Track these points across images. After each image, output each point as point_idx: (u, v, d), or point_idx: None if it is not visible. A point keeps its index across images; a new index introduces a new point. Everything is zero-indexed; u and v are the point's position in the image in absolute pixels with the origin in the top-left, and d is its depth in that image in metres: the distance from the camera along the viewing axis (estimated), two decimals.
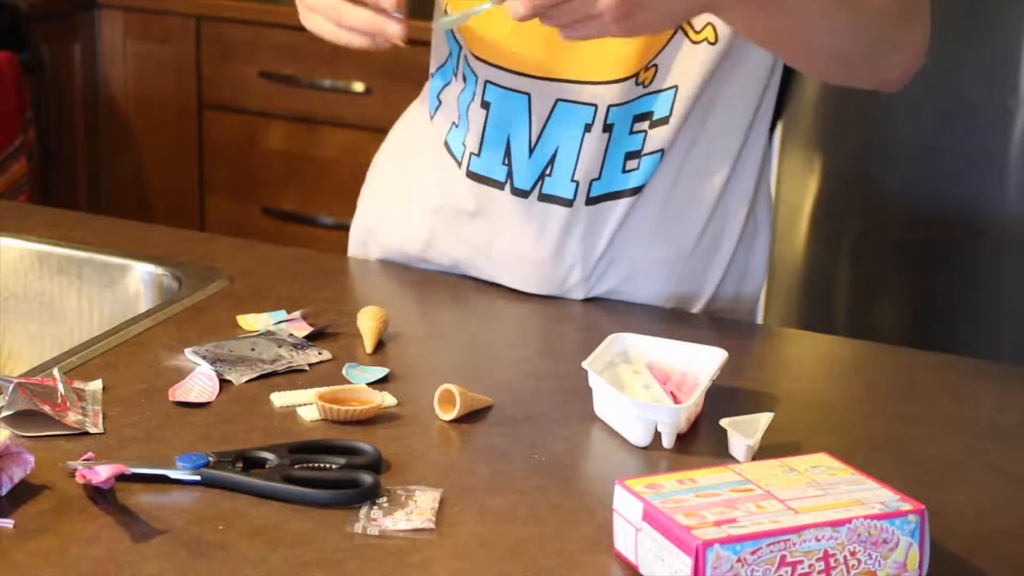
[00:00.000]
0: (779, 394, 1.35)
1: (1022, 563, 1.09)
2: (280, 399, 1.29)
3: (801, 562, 1.00)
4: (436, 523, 1.10)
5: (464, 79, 1.55)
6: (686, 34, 1.47)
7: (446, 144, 1.58)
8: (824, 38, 1.35)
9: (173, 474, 1.14)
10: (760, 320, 2.83)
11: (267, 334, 1.41)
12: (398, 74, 3.02)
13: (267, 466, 1.16)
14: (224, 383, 1.31)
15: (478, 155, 1.54)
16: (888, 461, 1.22)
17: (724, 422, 1.23)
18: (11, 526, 1.07)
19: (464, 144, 1.56)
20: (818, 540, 1.00)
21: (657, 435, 1.23)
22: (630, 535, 1.04)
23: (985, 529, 1.14)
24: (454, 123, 1.57)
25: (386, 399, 1.29)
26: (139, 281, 1.59)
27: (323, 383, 1.31)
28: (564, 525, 1.11)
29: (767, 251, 1.62)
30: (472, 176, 1.55)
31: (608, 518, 1.07)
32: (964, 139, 2.60)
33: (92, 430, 1.21)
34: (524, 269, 1.56)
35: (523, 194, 1.53)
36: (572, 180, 1.51)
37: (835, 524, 1.01)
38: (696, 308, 1.58)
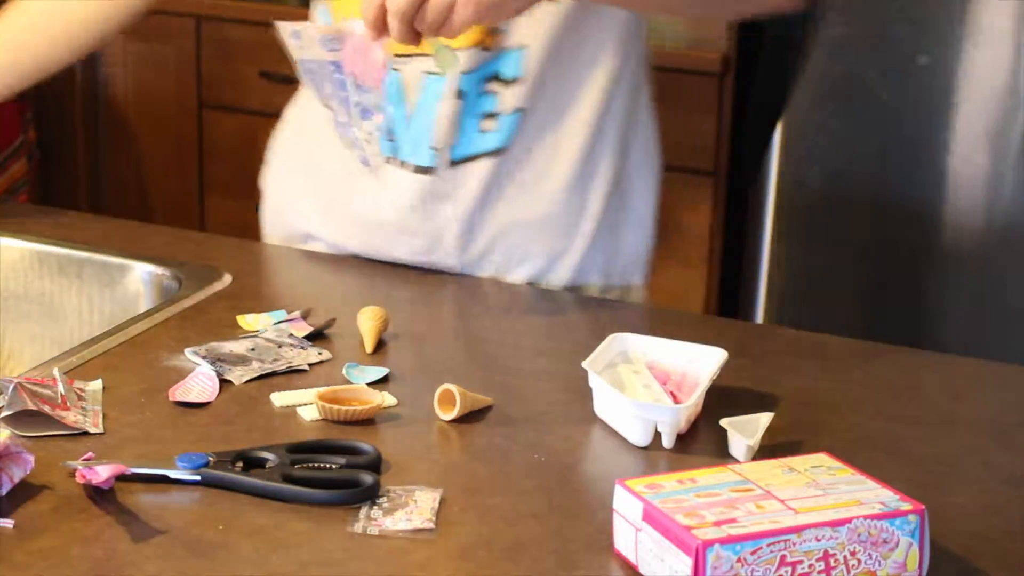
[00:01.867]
0: (779, 394, 1.35)
1: (1022, 563, 1.09)
2: (280, 399, 1.29)
3: (801, 562, 1.00)
4: (436, 523, 1.10)
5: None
6: None
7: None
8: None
9: (173, 474, 1.14)
10: (760, 320, 2.83)
11: (267, 334, 1.41)
12: None
13: (267, 466, 1.16)
14: (224, 383, 1.31)
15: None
16: (888, 461, 1.22)
17: (724, 422, 1.23)
18: (11, 526, 1.07)
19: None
20: (818, 540, 1.00)
21: (657, 435, 1.23)
22: (630, 535, 1.04)
23: (985, 529, 1.14)
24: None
25: (386, 399, 1.28)
26: (139, 281, 1.59)
27: (323, 383, 1.31)
28: (564, 525, 1.11)
29: (648, 224, 1.65)
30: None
31: (608, 518, 1.07)
32: (963, 139, 2.60)
33: (92, 430, 1.21)
34: (396, 235, 1.60)
35: (398, 164, 1.58)
36: (430, 148, 1.56)
37: (835, 524, 1.01)
38: (565, 278, 1.61)
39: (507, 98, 1.55)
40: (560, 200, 1.59)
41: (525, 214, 1.59)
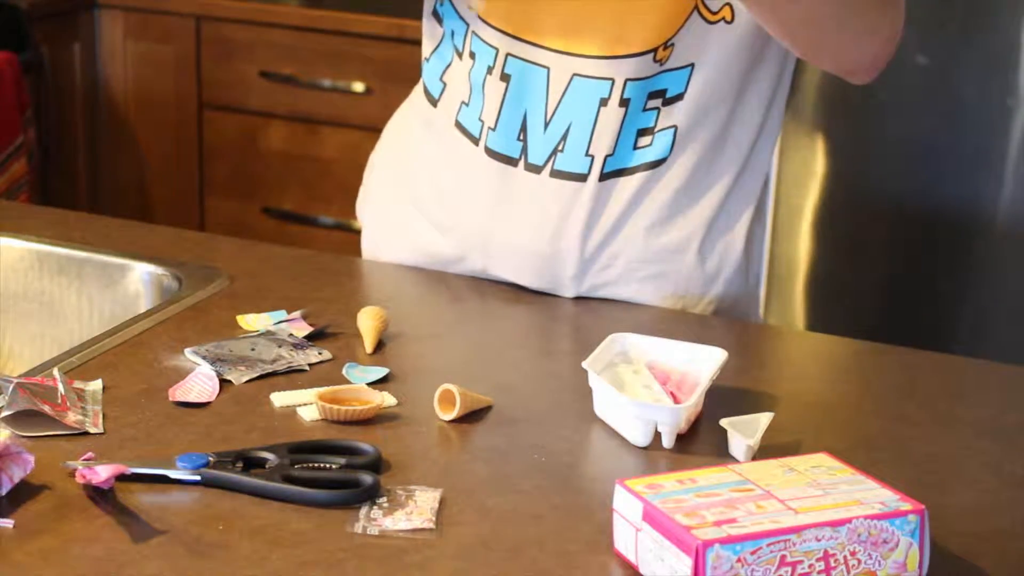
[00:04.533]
0: (779, 394, 1.35)
1: (1022, 563, 1.09)
2: (280, 399, 1.29)
3: (801, 562, 1.00)
4: (436, 523, 1.10)
5: (472, 55, 1.54)
6: (702, 14, 1.47)
7: (458, 124, 1.57)
8: (821, 18, 1.38)
9: (173, 474, 1.14)
10: (760, 320, 2.83)
11: (267, 334, 1.41)
12: (398, 74, 3.01)
13: (267, 466, 1.16)
14: (224, 383, 1.31)
15: (494, 130, 1.53)
16: (888, 461, 1.22)
17: (724, 422, 1.23)
18: (11, 526, 1.07)
19: (481, 120, 1.54)
20: (818, 540, 1.00)
21: (657, 435, 1.23)
22: (630, 535, 1.04)
23: (985, 529, 1.14)
24: (463, 102, 1.56)
25: (386, 399, 1.28)
26: (139, 281, 1.59)
27: (323, 383, 1.31)
28: (564, 525, 1.11)
29: (765, 244, 1.61)
30: (489, 153, 1.54)
31: (608, 518, 1.07)
32: (963, 139, 2.60)
33: (92, 430, 1.21)
34: (524, 255, 1.54)
35: (536, 170, 1.52)
36: (587, 155, 1.50)
37: (835, 524, 1.01)
38: (701, 301, 1.57)
39: (665, 115, 1.50)
40: (701, 233, 1.55)
41: (663, 239, 1.55)
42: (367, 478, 1.13)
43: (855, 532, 1.01)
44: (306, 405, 1.28)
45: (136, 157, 3.54)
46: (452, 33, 1.56)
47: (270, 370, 1.34)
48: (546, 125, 1.51)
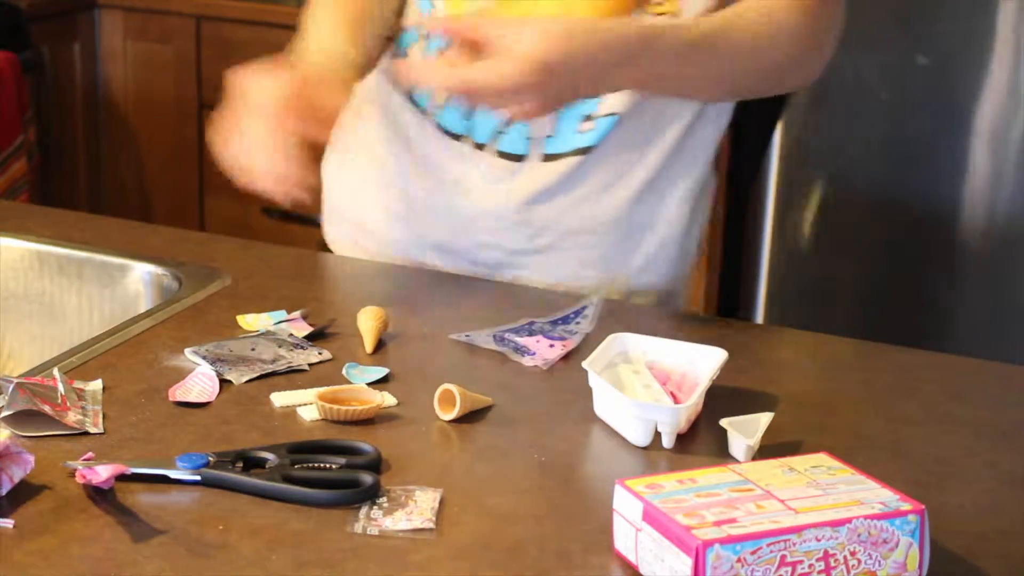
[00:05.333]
0: (779, 394, 1.35)
1: (1022, 563, 1.09)
2: (280, 399, 1.29)
3: (801, 562, 1.00)
4: (436, 523, 1.10)
5: (427, 36, 1.60)
6: (644, 7, 1.51)
7: (412, 99, 1.64)
8: (733, 84, 1.49)
9: (173, 474, 1.14)
10: (760, 320, 2.83)
11: (267, 334, 1.41)
12: None
13: (267, 466, 1.16)
14: (224, 383, 1.31)
15: (443, 108, 1.60)
16: (888, 461, 1.22)
17: (724, 422, 1.23)
18: (11, 526, 1.07)
19: (431, 98, 1.61)
20: (818, 540, 1.00)
21: (657, 435, 1.23)
22: (630, 535, 1.04)
23: (985, 529, 1.14)
24: None
25: (386, 399, 1.28)
26: (139, 281, 1.59)
27: (323, 383, 1.31)
28: (564, 525, 1.11)
29: (699, 229, 1.68)
30: (440, 129, 1.61)
31: (608, 518, 1.07)
32: (964, 139, 2.60)
33: (92, 430, 1.21)
34: (462, 221, 1.62)
35: (480, 147, 1.59)
36: (528, 138, 1.57)
37: (835, 524, 1.01)
38: (627, 280, 1.62)
39: (607, 101, 1.55)
40: (628, 208, 1.60)
41: (594, 218, 1.60)
42: (367, 478, 1.13)
43: (855, 532, 1.01)
44: (306, 405, 1.28)
45: (136, 157, 3.54)
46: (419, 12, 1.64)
47: (270, 370, 1.34)
48: None
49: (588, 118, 1.56)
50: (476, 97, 1.34)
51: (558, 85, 1.33)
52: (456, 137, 1.61)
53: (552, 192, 1.59)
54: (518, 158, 1.58)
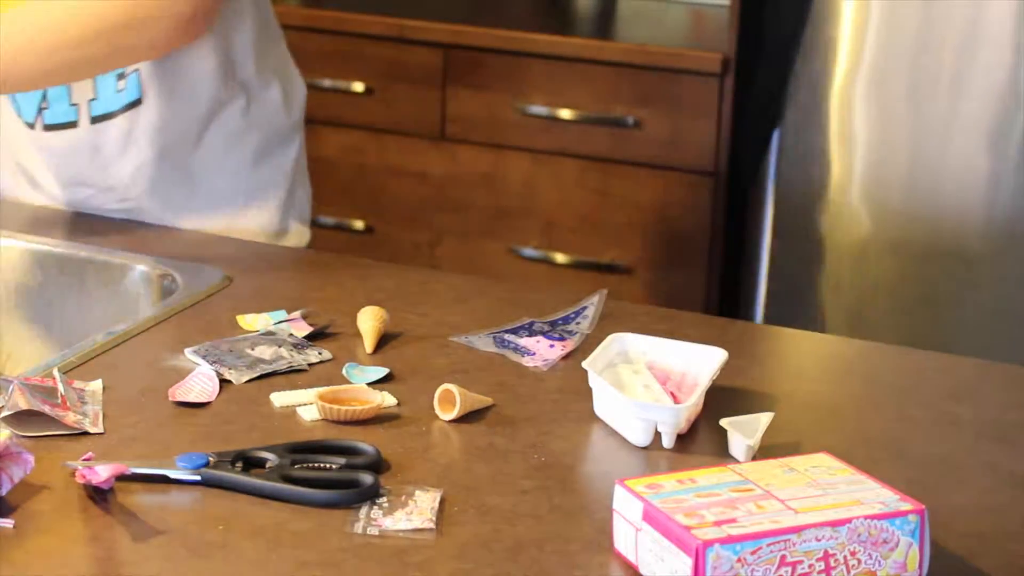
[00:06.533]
0: (779, 394, 1.35)
1: (1022, 563, 1.09)
2: (280, 399, 1.29)
3: (801, 562, 1.00)
4: (436, 523, 1.10)
5: None
6: None
7: None
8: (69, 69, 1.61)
9: (173, 474, 1.14)
10: (760, 320, 2.83)
11: (267, 334, 1.41)
12: (398, 74, 3.01)
13: (267, 466, 1.16)
14: (224, 383, 1.31)
15: None
16: (888, 461, 1.22)
17: (724, 422, 1.23)
18: (11, 526, 1.07)
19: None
20: (818, 540, 1.00)
21: (657, 435, 1.23)
22: (630, 535, 1.04)
23: (985, 529, 1.14)
24: None
25: (386, 399, 1.29)
26: (139, 281, 1.59)
27: (323, 383, 1.31)
28: (564, 525, 1.11)
29: (301, 201, 1.80)
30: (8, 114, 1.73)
31: (608, 518, 1.07)
32: (964, 139, 2.60)
33: (92, 430, 1.21)
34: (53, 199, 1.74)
35: (31, 126, 1.71)
36: (71, 104, 1.68)
37: (835, 524, 1.01)
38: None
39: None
40: (185, 158, 1.72)
41: (160, 170, 1.71)
42: (367, 478, 1.13)
43: (855, 532, 1.01)
44: (306, 405, 1.28)
45: None
46: None
47: (270, 370, 1.34)
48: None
49: (122, 76, 1.66)
50: None
51: None
52: (19, 119, 1.72)
53: (115, 156, 1.70)
54: (69, 125, 1.69)
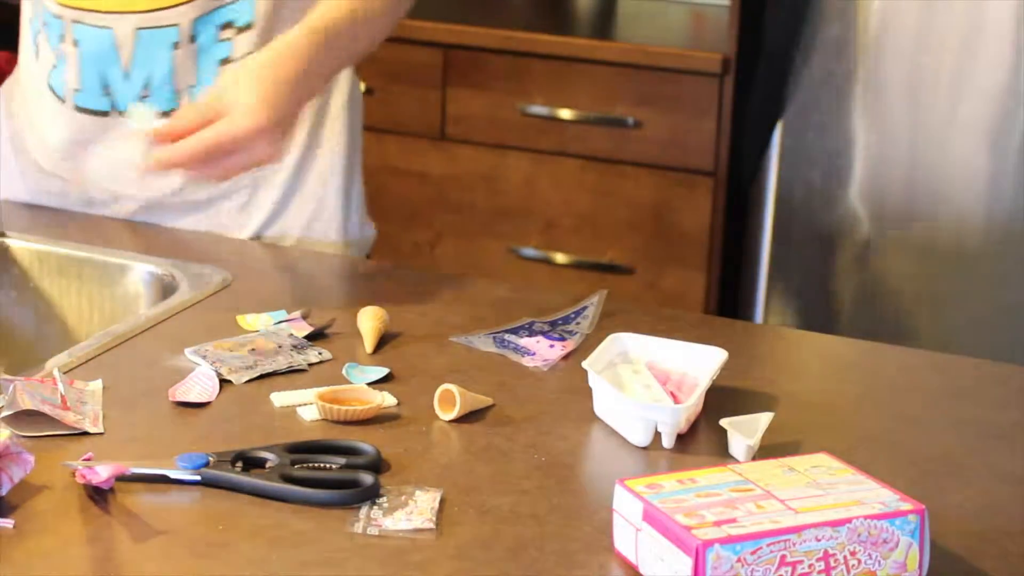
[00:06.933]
0: (779, 394, 1.35)
1: (1022, 563, 1.09)
2: (280, 399, 1.29)
3: (801, 562, 1.00)
4: (436, 523, 1.10)
5: (45, 24, 1.69)
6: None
7: (49, 86, 1.71)
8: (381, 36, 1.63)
9: (173, 474, 1.14)
10: (760, 320, 2.83)
11: (267, 334, 1.41)
12: (398, 74, 3.01)
13: (267, 466, 1.16)
14: (224, 383, 1.31)
15: (80, 90, 1.68)
16: (888, 461, 1.22)
17: (724, 422, 1.23)
18: (11, 526, 1.07)
19: (65, 81, 1.69)
20: (818, 540, 1.00)
21: (657, 435, 1.23)
22: (630, 535, 1.04)
23: (985, 529, 1.14)
24: (54, 65, 1.70)
25: (386, 399, 1.29)
26: (139, 281, 1.59)
27: (323, 383, 1.31)
28: (564, 525, 1.11)
29: (340, 177, 1.74)
30: (80, 110, 1.69)
31: (608, 518, 1.08)
32: (964, 139, 2.60)
33: (92, 430, 1.21)
34: (124, 182, 1.70)
35: (120, 114, 1.67)
36: (175, 92, 1.65)
37: (835, 524, 1.01)
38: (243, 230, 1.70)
39: (240, 44, 1.63)
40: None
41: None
42: (367, 478, 1.13)
43: (855, 532, 1.01)
44: (306, 405, 1.28)
45: None
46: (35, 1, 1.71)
47: (270, 370, 1.34)
48: (126, 77, 1.65)
49: (227, 61, 1.63)
50: (220, 154, 1.42)
51: (284, 110, 1.44)
52: (103, 114, 1.67)
53: None
54: (168, 114, 1.65)
